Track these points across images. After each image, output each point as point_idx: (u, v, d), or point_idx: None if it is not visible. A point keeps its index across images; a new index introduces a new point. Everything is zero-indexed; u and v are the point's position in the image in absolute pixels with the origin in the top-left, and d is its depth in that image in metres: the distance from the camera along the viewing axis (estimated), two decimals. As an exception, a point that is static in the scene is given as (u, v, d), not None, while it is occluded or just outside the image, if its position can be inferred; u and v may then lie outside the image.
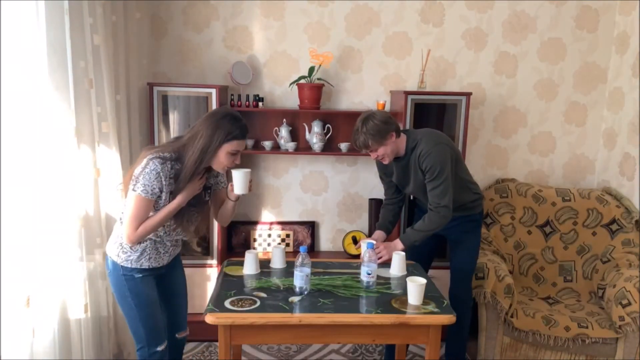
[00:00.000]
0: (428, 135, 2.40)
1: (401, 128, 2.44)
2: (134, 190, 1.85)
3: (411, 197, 2.69)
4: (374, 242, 2.38)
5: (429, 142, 2.35)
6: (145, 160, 1.87)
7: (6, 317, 1.92)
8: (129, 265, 1.96)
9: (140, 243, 1.95)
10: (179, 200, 1.90)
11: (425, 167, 2.33)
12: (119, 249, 1.96)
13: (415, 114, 3.02)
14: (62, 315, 2.23)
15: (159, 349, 2.04)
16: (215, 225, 3.08)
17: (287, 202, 3.47)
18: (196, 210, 2.03)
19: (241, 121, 1.93)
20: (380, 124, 2.28)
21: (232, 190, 2.05)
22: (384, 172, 2.60)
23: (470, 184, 2.54)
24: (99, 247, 2.45)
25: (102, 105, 2.42)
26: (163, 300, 2.13)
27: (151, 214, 1.90)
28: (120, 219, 1.97)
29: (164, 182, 1.86)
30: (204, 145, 1.87)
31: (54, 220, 2.14)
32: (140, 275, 1.98)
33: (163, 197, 1.89)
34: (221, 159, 1.92)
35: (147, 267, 1.99)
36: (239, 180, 2.00)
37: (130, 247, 1.95)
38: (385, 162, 2.40)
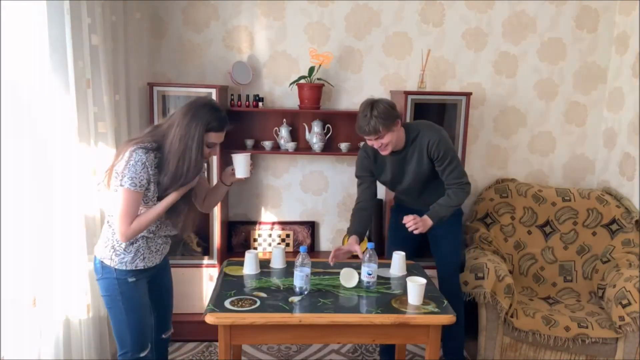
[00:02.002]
0: (426, 125, 2.45)
1: None
2: (121, 185, 1.78)
3: (394, 200, 2.66)
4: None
5: (432, 130, 2.40)
6: (127, 153, 1.80)
7: (12, 318, 1.92)
8: (124, 268, 1.90)
9: (133, 244, 1.90)
10: (175, 194, 1.86)
11: (439, 154, 2.35)
12: (112, 251, 1.89)
13: (415, 114, 3.02)
14: (66, 316, 2.24)
15: (142, 354, 1.99)
16: (216, 225, 3.08)
17: (287, 202, 3.47)
18: (182, 202, 1.95)
19: (220, 112, 1.88)
20: (390, 108, 2.27)
21: (233, 174, 2.04)
22: (370, 171, 2.50)
23: None
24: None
25: (99, 105, 2.41)
26: (153, 301, 2.08)
27: (141, 207, 1.85)
28: (108, 221, 1.92)
29: (150, 172, 1.81)
30: (182, 134, 1.80)
31: (57, 220, 2.15)
32: (134, 279, 1.92)
33: (152, 189, 1.84)
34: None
35: (142, 267, 1.94)
36: (240, 164, 1.99)
37: (124, 249, 1.89)
38: (387, 152, 2.34)
